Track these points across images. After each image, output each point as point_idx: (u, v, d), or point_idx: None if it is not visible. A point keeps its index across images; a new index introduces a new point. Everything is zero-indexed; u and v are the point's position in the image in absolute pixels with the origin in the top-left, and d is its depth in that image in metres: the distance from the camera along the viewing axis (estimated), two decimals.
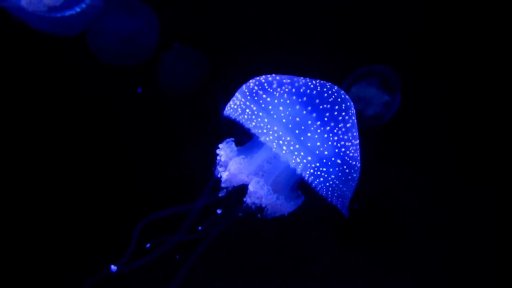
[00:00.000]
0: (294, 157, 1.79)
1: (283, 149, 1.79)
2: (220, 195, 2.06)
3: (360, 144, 2.03)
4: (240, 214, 2.13)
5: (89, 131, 3.45)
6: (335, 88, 1.94)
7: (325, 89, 1.90)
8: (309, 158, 1.80)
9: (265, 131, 1.82)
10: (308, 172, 1.81)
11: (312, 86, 1.90)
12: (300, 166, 1.80)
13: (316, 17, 3.59)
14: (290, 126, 1.82)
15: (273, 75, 2.00)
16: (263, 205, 1.94)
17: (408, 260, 3.61)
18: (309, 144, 1.81)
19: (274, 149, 1.81)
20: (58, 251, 3.33)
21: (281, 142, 1.79)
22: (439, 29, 3.59)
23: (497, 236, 3.65)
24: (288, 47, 3.59)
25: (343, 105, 1.90)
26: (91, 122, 3.45)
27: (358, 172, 1.95)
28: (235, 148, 2.02)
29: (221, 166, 1.99)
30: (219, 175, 2.01)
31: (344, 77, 3.45)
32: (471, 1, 3.51)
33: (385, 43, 3.60)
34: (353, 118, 1.95)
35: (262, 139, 1.83)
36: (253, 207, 1.95)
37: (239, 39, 3.55)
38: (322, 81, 1.96)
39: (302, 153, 1.79)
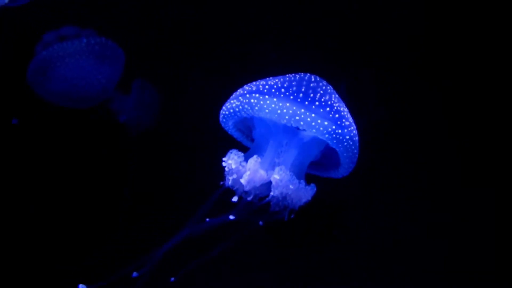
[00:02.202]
0: (314, 124, 1.87)
1: (302, 123, 1.87)
2: (236, 200, 2.06)
3: (359, 145, 2.09)
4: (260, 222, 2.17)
5: (89, 131, 3.45)
6: (308, 74, 2.06)
7: (302, 75, 2.04)
8: (326, 123, 1.88)
9: (279, 111, 1.88)
10: (328, 137, 1.90)
11: (291, 75, 2.03)
12: (321, 133, 1.88)
13: (314, 18, 3.61)
14: (299, 100, 1.92)
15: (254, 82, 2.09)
16: (289, 193, 1.96)
17: (408, 260, 3.61)
18: (321, 110, 1.90)
19: (293, 125, 1.88)
20: (58, 251, 3.33)
21: (297, 117, 1.87)
22: (437, 31, 3.61)
23: (497, 236, 3.65)
24: (286, 49, 3.60)
25: (325, 82, 2.05)
26: (90, 122, 3.45)
27: (357, 136, 2.03)
28: (242, 154, 2.04)
29: (232, 173, 2.00)
30: (230, 184, 2.01)
31: (342, 79, 3.46)
32: (468, 3, 3.53)
33: (383, 44, 3.61)
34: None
35: (282, 121, 1.89)
36: (281, 197, 1.96)
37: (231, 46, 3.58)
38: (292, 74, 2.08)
39: (319, 121, 1.87)
